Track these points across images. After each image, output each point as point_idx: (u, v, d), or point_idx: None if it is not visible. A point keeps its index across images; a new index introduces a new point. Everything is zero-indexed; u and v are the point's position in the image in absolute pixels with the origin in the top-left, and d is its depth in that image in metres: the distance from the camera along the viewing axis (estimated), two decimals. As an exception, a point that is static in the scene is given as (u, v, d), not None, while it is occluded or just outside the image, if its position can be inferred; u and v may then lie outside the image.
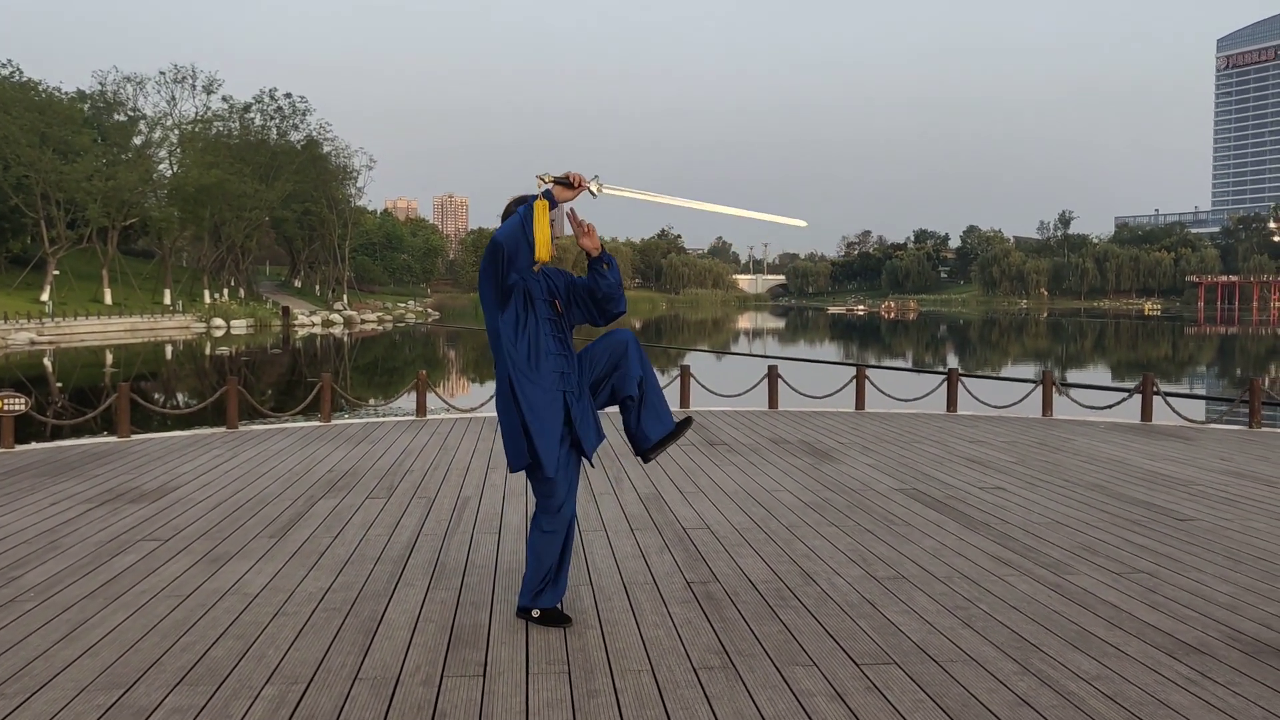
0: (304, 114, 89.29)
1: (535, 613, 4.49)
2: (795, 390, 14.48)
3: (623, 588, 5.10)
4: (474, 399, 17.57)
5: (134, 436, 10.92)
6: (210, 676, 3.85)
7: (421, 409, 13.00)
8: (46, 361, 37.11)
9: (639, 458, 4.60)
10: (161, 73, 79.04)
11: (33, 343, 46.51)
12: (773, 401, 13.94)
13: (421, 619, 4.58)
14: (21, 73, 68.82)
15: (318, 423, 12.20)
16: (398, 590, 5.04)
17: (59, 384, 28.72)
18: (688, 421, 4.61)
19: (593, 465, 4.72)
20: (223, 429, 11.56)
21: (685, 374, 14.19)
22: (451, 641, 4.28)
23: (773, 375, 14.11)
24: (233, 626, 4.45)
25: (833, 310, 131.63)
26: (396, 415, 14.39)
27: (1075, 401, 14.19)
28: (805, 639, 4.33)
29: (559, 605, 4.55)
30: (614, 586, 5.12)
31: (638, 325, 79.26)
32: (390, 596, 4.93)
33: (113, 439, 10.77)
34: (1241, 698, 3.70)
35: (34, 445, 10.33)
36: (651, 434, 4.50)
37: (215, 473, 8.53)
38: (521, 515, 6.79)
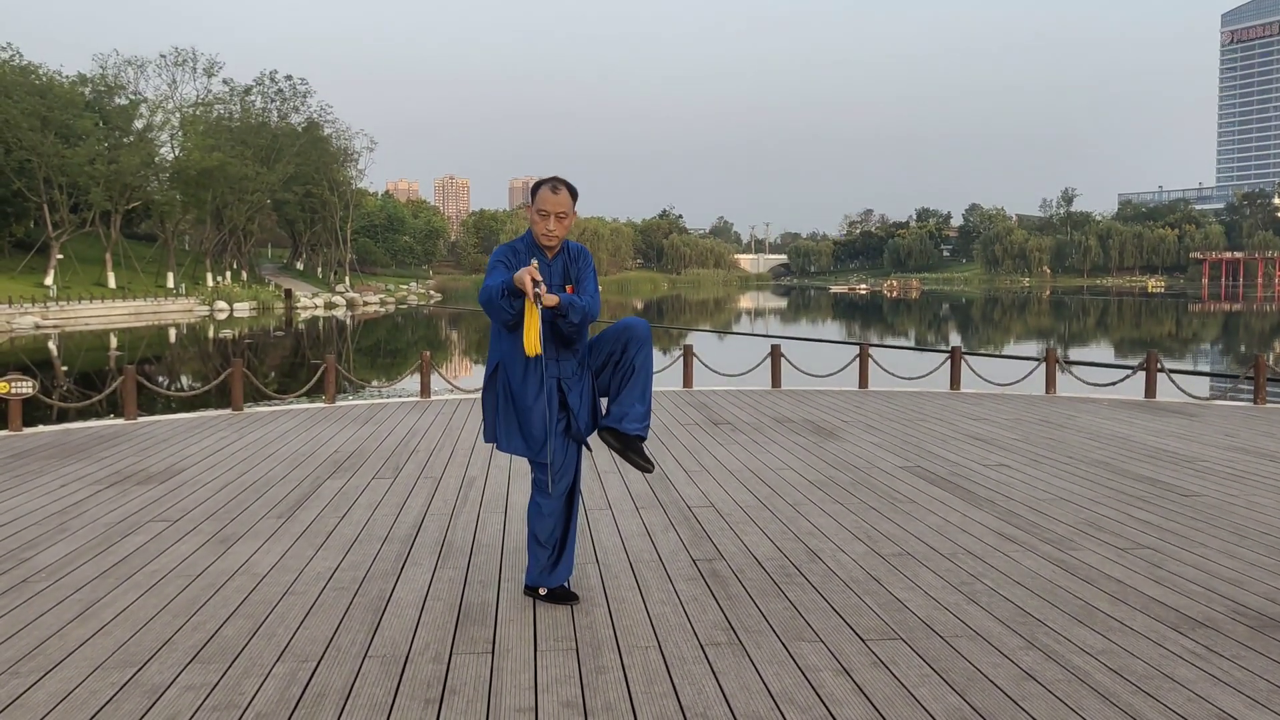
0: (304, 96, 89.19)
1: (542, 591, 4.52)
2: (798, 369, 14.50)
3: (629, 566, 5.13)
4: (477, 380, 17.59)
5: (140, 419, 10.95)
6: (222, 655, 3.88)
7: (425, 390, 13.02)
8: (51, 345, 37.16)
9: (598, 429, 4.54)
10: (162, 55, 78.96)
11: (37, 326, 46.60)
12: (776, 380, 13.95)
13: (430, 597, 4.61)
14: (21, 56, 68.59)
15: (322, 404, 12.22)
16: (405, 569, 5.07)
17: (65, 367, 28.77)
18: (649, 465, 4.48)
19: (589, 450, 4.72)
20: (228, 411, 11.59)
21: (688, 353, 14.19)
22: (460, 619, 4.31)
23: (776, 354, 14.12)
24: (243, 606, 4.48)
25: (835, 290, 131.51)
26: (401, 396, 14.41)
27: (1079, 379, 14.20)
28: (811, 615, 4.36)
29: (566, 584, 4.57)
30: (620, 565, 5.15)
31: (639, 305, 79.20)
32: (398, 575, 4.96)
33: (120, 421, 10.80)
34: (1247, 671, 3.72)
35: (42, 428, 10.36)
36: (613, 419, 4.43)
37: (222, 454, 8.57)
38: (526, 494, 6.82)
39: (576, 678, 3.68)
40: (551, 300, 4.09)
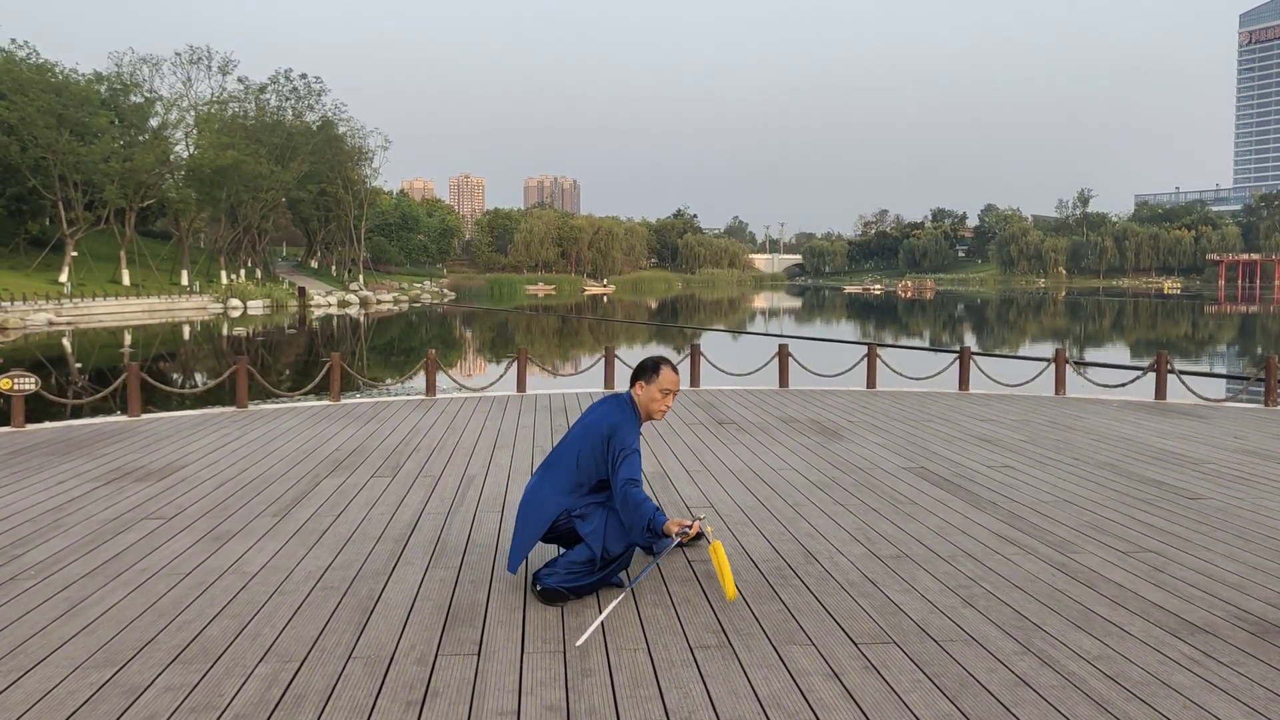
0: (319, 94, 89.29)
1: (538, 586, 4.49)
2: (806, 369, 14.41)
3: (623, 566, 5.06)
4: (486, 378, 17.55)
5: (144, 416, 10.95)
6: (204, 655, 3.84)
7: (431, 388, 12.99)
8: (65, 342, 37.33)
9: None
10: (177, 54, 78.86)
11: (51, 323, 46.82)
12: (783, 380, 13.88)
13: (419, 597, 4.56)
14: (38, 54, 68.93)
15: (327, 402, 12.21)
16: (397, 569, 5.02)
17: (78, 364, 28.89)
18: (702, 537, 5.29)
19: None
20: (233, 408, 11.58)
21: (695, 353, 14.13)
22: (448, 620, 4.26)
23: (783, 354, 14.04)
24: (230, 605, 4.44)
25: (849, 290, 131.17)
26: (407, 395, 14.40)
27: (1089, 380, 14.07)
28: (804, 618, 4.29)
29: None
30: (614, 565, 5.08)
31: (653, 304, 79.13)
32: (389, 575, 4.91)
33: (123, 418, 10.81)
34: (1245, 678, 3.64)
35: (45, 424, 10.37)
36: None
37: (222, 452, 8.55)
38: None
39: (562, 680, 3.62)
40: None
